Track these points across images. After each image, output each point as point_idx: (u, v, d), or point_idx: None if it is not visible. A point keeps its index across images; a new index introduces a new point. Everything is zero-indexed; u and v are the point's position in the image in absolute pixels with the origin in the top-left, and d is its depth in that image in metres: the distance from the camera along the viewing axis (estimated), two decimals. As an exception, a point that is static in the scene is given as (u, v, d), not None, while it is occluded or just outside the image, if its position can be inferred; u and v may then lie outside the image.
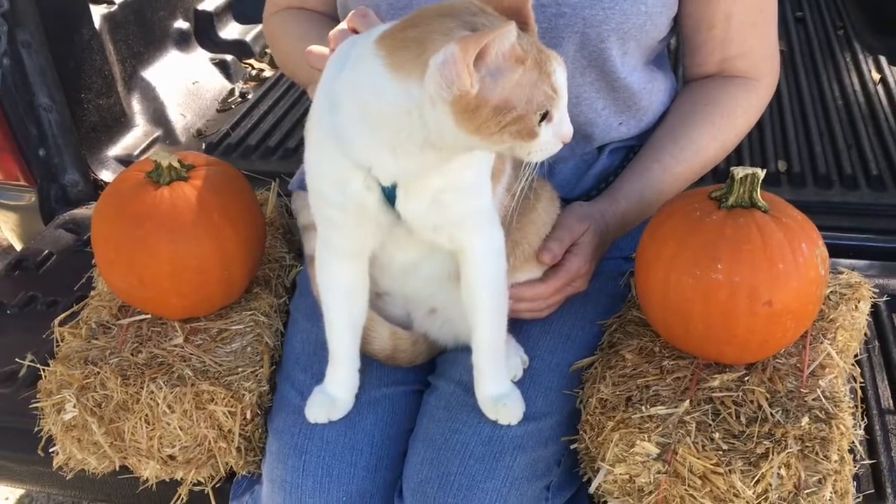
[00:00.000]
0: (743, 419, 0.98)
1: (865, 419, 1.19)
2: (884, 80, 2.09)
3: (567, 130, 0.84)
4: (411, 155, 0.84)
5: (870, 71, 2.14)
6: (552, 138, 0.83)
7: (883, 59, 2.18)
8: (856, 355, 1.19)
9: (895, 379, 1.26)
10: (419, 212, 0.93)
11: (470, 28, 0.79)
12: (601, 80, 1.17)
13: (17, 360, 1.30)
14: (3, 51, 1.64)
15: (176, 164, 1.13)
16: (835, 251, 1.33)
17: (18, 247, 1.91)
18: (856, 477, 1.10)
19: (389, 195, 0.91)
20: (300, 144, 1.12)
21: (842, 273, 1.19)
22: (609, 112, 1.21)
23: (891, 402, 1.23)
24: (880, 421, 1.19)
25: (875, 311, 1.38)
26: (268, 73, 2.38)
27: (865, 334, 1.31)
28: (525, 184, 1.08)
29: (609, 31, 1.10)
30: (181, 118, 2.13)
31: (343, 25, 0.98)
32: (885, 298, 1.38)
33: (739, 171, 1.00)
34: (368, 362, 1.11)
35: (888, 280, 1.44)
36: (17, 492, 2.04)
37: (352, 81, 0.84)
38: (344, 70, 0.85)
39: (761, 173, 1.00)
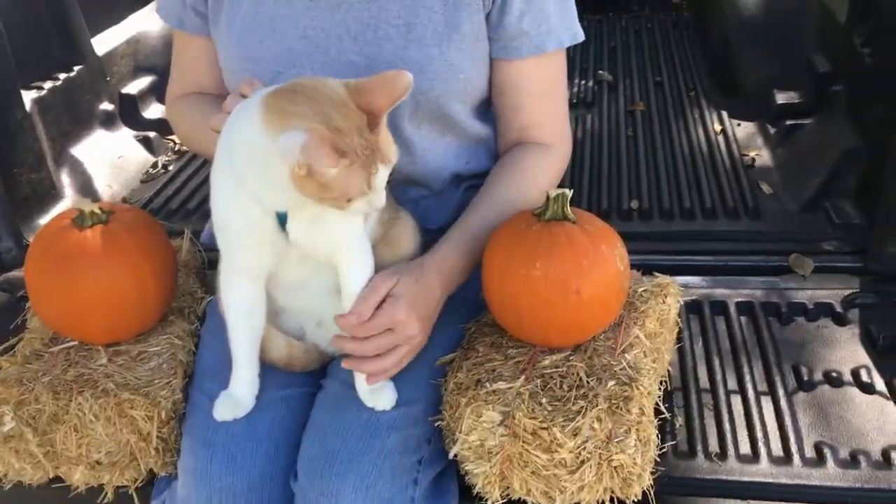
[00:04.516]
0: (565, 387, 1.21)
1: (684, 395, 1.46)
2: (724, 132, 2.44)
3: (377, 204, 1.09)
4: (282, 192, 1.07)
5: (713, 124, 2.50)
6: (364, 206, 1.08)
7: (724, 114, 2.54)
8: (679, 342, 1.46)
9: (712, 365, 1.53)
10: (303, 233, 1.16)
11: (325, 120, 1.02)
12: (446, 131, 1.42)
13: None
14: (-58, 131, 1.84)
15: (97, 210, 1.34)
16: (673, 270, 1.61)
17: (-45, 307, 2.06)
18: (672, 435, 1.36)
19: (282, 220, 1.15)
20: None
21: (656, 277, 1.46)
22: (453, 155, 1.45)
23: (707, 382, 1.49)
24: (696, 396, 1.45)
25: (700, 313, 1.66)
26: (188, 147, 2.61)
27: (682, 330, 1.58)
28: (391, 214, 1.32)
29: (436, 95, 1.35)
30: (108, 188, 2.34)
31: (236, 92, 1.23)
32: (705, 302, 1.67)
33: (553, 192, 1.26)
34: (268, 368, 1.32)
35: (713, 290, 1.73)
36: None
37: (241, 131, 1.09)
38: (236, 123, 1.10)
39: (569, 193, 1.26)
